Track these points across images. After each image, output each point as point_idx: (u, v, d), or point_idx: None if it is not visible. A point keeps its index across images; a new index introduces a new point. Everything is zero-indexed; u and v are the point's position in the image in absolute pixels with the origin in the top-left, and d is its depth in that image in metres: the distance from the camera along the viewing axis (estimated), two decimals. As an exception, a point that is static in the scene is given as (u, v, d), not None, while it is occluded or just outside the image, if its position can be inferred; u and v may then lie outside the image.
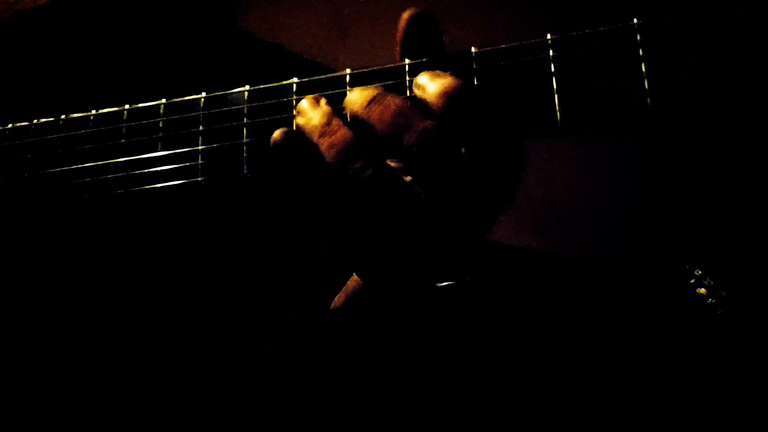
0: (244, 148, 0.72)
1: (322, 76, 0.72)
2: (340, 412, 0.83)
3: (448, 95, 0.64)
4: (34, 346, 0.86)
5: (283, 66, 1.14)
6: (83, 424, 0.85)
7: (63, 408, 0.85)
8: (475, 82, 0.66)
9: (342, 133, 0.67)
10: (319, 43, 1.88)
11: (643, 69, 0.60)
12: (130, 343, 0.87)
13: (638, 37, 0.61)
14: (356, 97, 0.68)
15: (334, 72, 1.17)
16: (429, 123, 0.64)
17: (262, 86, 0.73)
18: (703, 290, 1.37)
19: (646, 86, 0.60)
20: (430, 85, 0.66)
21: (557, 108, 0.63)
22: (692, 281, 1.39)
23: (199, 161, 0.74)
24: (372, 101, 0.67)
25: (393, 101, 0.66)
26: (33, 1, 0.99)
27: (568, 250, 1.77)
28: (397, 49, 0.72)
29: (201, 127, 0.74)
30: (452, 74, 0.66)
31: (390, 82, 0.69)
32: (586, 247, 1.76)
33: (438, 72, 0.67)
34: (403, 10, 0.71)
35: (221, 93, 0.75)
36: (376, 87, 0.69)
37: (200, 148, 0.74)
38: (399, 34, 0.71)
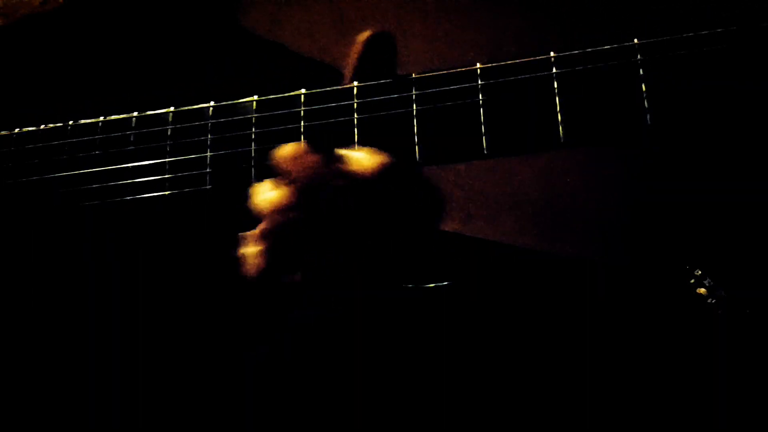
0: (252, 157, 0.74)
1: (329, 88, 0.73)
2: (343, 411, 0.84)
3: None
4: (34, 348, 0.87)
5: (284, 65, 1.14)
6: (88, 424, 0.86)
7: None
8: (480, 98, 0.67)
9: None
10: (320, 42, 1.89)
11: (643, 88, 0.62)
12: (134, 347, 0.88)
13: (638, 57, 0.62)
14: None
15: (335, 70, 1.18)
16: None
17: (270, 96, 0.75)
18: (703, 290, 1.38)
19: (646, 105, 0.62)
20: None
21: (560, 124, 0.65)
22: (692, 281, 1.40)
23: (207, 169, 0.75)
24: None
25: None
26: (40, 7, 0.99)
27: (567, 250, 1.77)
28: (348, 70, 0.72)
29: (209, 136, 0.75)
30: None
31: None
32: (586, 248, 1.77)
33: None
34: (396, 9, 0.71)
35: (229, 102, 0.76)
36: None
37: (208, 155, 0.75)
38: (353, 56, 0.71)
